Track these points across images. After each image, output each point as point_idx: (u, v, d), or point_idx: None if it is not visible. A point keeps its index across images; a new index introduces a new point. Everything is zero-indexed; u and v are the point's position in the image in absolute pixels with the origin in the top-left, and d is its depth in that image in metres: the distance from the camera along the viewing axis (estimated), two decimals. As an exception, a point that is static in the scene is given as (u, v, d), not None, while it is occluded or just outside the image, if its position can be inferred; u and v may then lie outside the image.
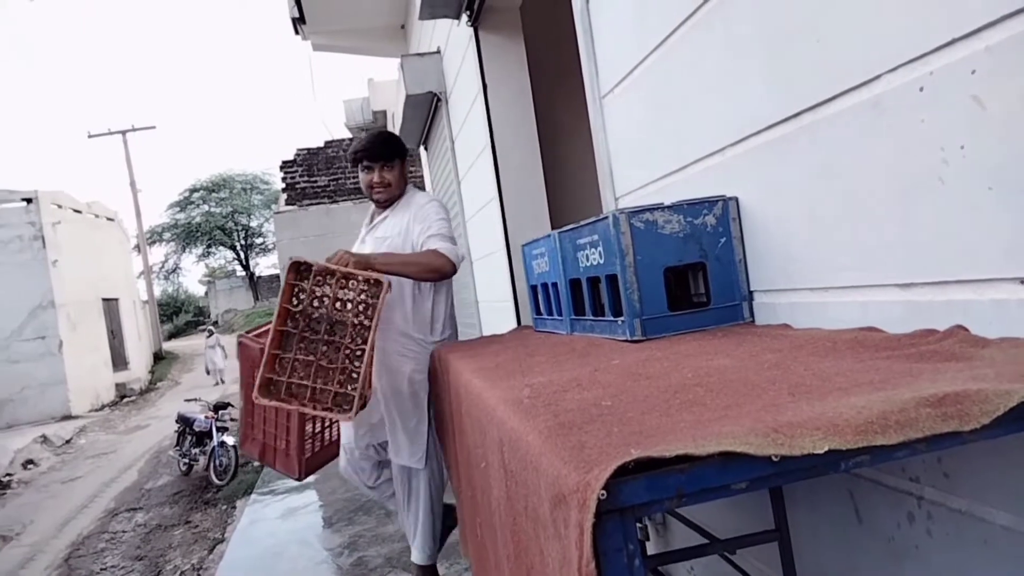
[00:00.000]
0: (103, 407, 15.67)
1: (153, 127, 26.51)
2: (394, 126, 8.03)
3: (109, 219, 18.71)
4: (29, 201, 14.39)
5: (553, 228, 2.14)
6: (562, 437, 0.81)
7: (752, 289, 1.72)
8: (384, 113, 13.17)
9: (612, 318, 1.75)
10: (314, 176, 13.49)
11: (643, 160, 2.29)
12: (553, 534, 0.73)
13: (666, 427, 0.79)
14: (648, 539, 2.50)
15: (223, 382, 17.43)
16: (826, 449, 0.65)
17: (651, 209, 1.68)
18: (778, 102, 1.53)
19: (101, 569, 5.64)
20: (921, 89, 1.15)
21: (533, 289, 2.42)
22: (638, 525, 2.46)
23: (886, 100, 1.23)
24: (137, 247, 25.35)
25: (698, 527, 1.90)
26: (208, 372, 18.13)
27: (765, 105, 1.57)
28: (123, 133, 25.36)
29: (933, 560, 1.25)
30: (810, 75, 1.41)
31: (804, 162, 1.48)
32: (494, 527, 1.36)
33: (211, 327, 21.04)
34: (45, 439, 11.73)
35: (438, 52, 5.86)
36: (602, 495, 0.63)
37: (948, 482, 1.19)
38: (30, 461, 10.63)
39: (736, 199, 1.72)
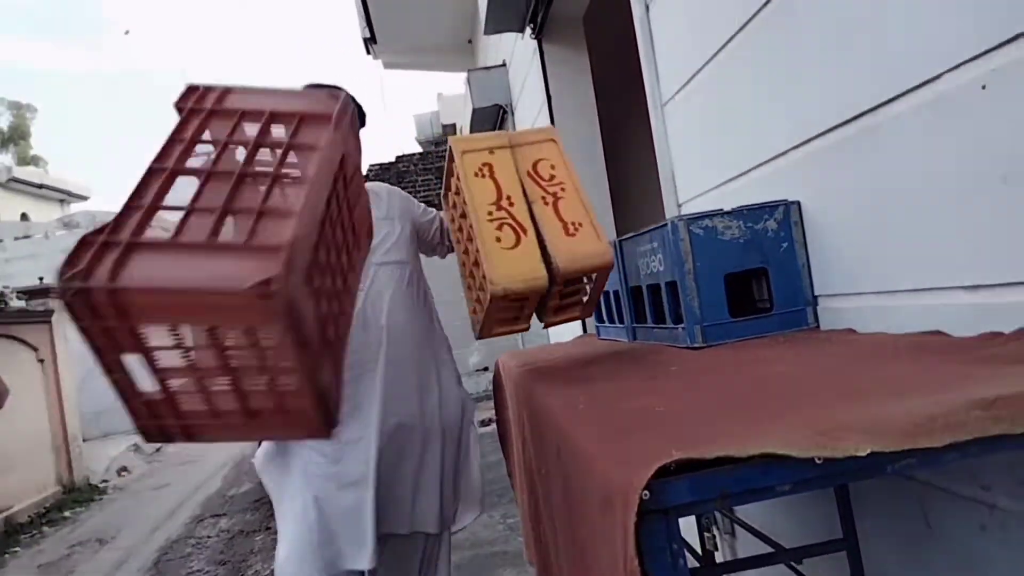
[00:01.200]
0: (190, 417, 16.38)
1: (234, 148, 27.54)
2: (461, 139, 8.17)
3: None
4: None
5: (618, 236, 2.16)
6: (612, 442, 0.83)
7: (816, 294, 1.70)
8: (454, 126, 13.40)
9: (673, 325, 1.76)
10: (386, 190, 13.75)
11: (705, 166, 2.28)
12: (602, 536, 0.76)
13: (715, 432, 0.80)
14: (716, 548, 2.47)
15: None
16: (868, 451, 0.66)
17: (711, 215, 1.68)
18: (838, 104, 1.51)
19: (188, 572, 5.89)
20: (983, 87, 1.12)
21: (596, 298, 2.43)
22: (705, 534, 2.44)
23: (947, 99, 1.20)
24: (220, 263, 26.40)
25: (765, 536, 1.87)
26: None
27: (825, 108, 1.56)
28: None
29: (1009, 573, 1.21)
30: (870, 76, 1.39)
31: (866, 164, 1.46)
32: (556, 531, 1.38)
33: None
34: (137, 447, 12.34)
35: (504, 65, 5.95)
36: (645, 495, 0.65)
37: (1023, 490, 1.15)
38: (124, 468, 11.21)
39: (798, 203, 1.70)
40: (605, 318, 2.38)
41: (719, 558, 2.47)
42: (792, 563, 1.69)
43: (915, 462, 0.70)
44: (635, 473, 0.67)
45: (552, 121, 4.45)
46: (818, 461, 0.67)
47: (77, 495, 9.52)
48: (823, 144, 1.60)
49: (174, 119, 1.00)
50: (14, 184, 17.50)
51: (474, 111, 6.01)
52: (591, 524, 0.82)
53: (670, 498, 0.66)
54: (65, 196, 20.05)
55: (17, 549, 7.46)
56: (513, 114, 5.94)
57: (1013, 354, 0.94)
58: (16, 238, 14.60)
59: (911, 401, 0.77)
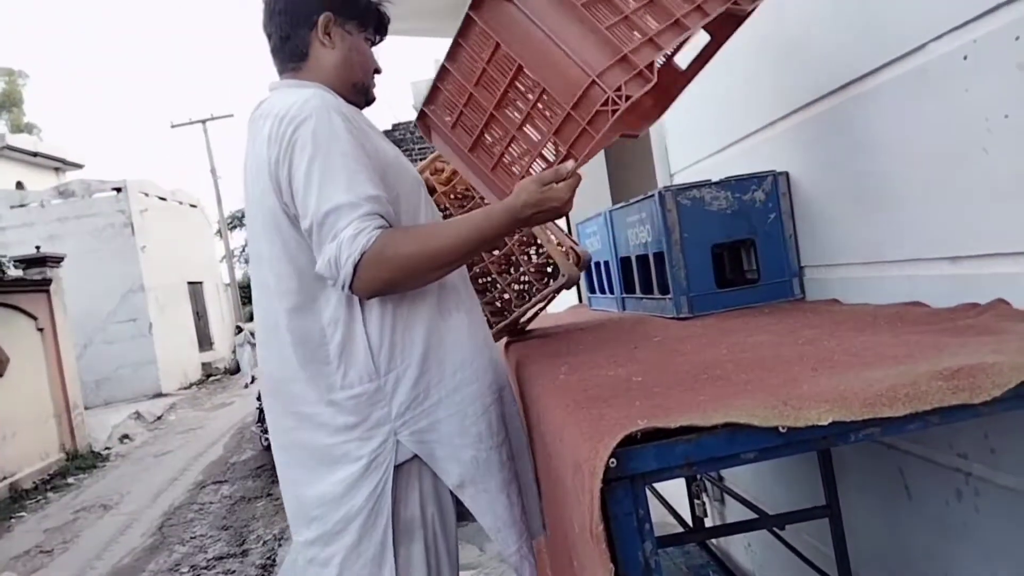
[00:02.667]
0: (190, 385, 16.47)
1: (231, 115, 27.37)
2: (458, 107, 8.10)
3: (192, 205, 19.52)
4: (119, 190, 15.15)
5: (613, 206, 2.17)
6: (586, 410, 0.85)
7: (803, 264, 1.71)
8: (450, 94, 13.25)
9: (660, 296, 1.77)
10: (383, 159, 13.62)
11: (696, 136, 2.28)
12: (574, 501, 0.78)
13: (686, 401, 0.82)
14: (706, 515, 2.52)
15: (252, 381, 14.79)
16: (830, 420, 0.67)
17: (698, 186, 1.68)
18: (827, 73, 1.50)
19: (191, 537, 5.99)
20: (965, 58, 1.12)
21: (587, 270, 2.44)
22: (695, 501, 2.48)
23: (931, 69, 1.20)
24: (219, 232, 26.38)
25: (750, 503, 1.91)
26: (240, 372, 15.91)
27: (815, 77, 1.55)
28: (203, 122, 26.31)
29: (981, 537, 1.24)
30: (857, 46, 1.39)
31: (853, 134, 1.46)
32: (541, 496, 1.41)
33: (239, 323, 17.60)
34: (139, 415, 12.45)
35: (499, 32, 5.88)
36: (612, 463, 0.67)
37: (995, 458, 1.17)
38: (126, 436, 11.32)
39: (786, 174, 1.70)
40: (596, 288, 2.39)
41: (708, 524, 2.52)
42: (775, 529, 1.73)
43: (879, 431, 0.71)
44: (602, 441, 0.68)
45: (548, 89, 4.42)
46: (782, 430, 0.69)
47: (80, 462, 9.62)
48: (812, 113, 1.59)
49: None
50: (8, 152, 17.38)
51: (470, 79, 5.96)
52: (565, 489, 0.85)
53: (636, 465, 0.68)
54: (60, 164, 19.93)
55: (23, 514, 7.57)
56: (509, 82, 5.89)
57: (984, 325, 0.95)
58: (12, 206, 14.55)
59: (878, 371, 0.79)
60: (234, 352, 18.26)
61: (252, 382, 15.23)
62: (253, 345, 16.03)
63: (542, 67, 1.17)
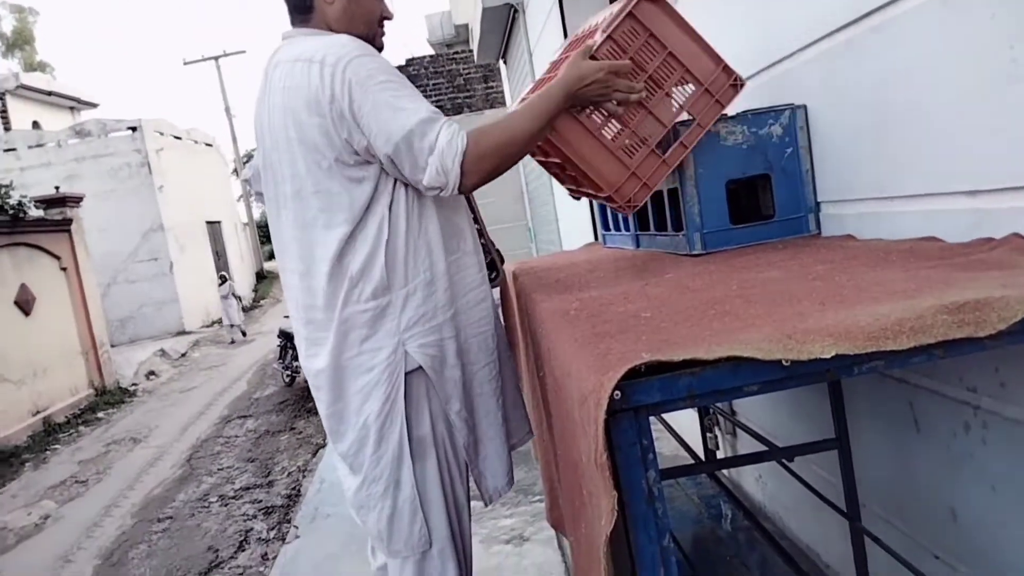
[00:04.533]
0: (212, 323, 16.73)
1: (243, 52, 26.98)
2: (473, 40, 7.94)
3: (208, 144, 19.44)
4: (134, 129, 15.10)
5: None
6: (593, 345, 0.86)
7: (819, 200, 1.69)
8: (466, 27, 12.97)
9: (674, 232, 1.76)
10: (398, 95, 13.41)
11: (714, 68, 2.22)
12: (581, 432, 0.80)
13: (692, 336, 0.83)
14: (718, 448, 2.56)
15: (243, 336, 14.34)
16: (833, 354, 0.68)
17: (713, 120, 1.65)
18: (847, 2, 1.46)
19: (218, 468, 6.19)
20: (991, -17, 1.08)
21: (602, 205, 2.43)
22: (708, 435, 2.52)
23: (955, -3, 1.16)
24: (235, 171, 26.34)
25: (760, 436, 1.94)
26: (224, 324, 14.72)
27: (834, 6, 1.50)
28: (216, 59, 26.01)
29: (988, 468, 1.25)
30: (880, -28, 1.34)
31: (872, 66, 1.42)
32: (551, 428, 1.44)
33: (224, 273, 16.18)
34: (163, 352, 12.72)
35: (514, -39, 5.72)
36: (616, 395, 0.69)
37: (1004, 391, 1.18)
38: (152, 372, 11.59)
39: (804, 107, 1.67)
40: (611, 226, 2.38)
41: (720, 457, 2.56)
42: (784, 461, 1.76)
43: (882, 364, 0.72)
44: (607, 374, 0.70)
45: (563, 22, 4.32)
46: (786, 363, 0.70)
47: (109, 397, 9.90)
48: (831, 44, 1.55)
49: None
50: (23, 91, 17.31)
51: (484, 10, 5.82)
52: (572, 420, 0.87)
53: (640, 397, 0.70)
54: (75, 103, 19.86)
55: (57, 446, 7.84)
56: (524, 14, 5.75)
57: (996, 259, 0.95)
58: (29, 146, 14.58)
59: (886, 306, 0.79)
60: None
61: (243, 336, 14.36)
62: (238, 297, 14.93)
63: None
